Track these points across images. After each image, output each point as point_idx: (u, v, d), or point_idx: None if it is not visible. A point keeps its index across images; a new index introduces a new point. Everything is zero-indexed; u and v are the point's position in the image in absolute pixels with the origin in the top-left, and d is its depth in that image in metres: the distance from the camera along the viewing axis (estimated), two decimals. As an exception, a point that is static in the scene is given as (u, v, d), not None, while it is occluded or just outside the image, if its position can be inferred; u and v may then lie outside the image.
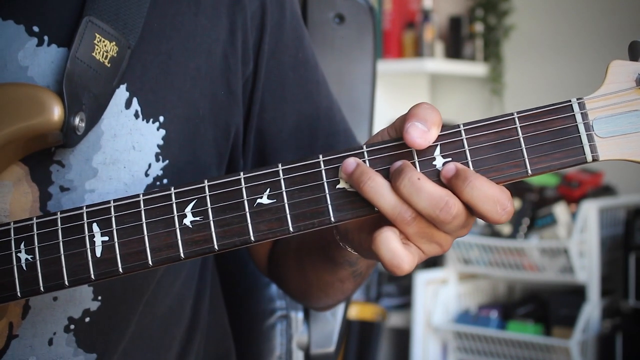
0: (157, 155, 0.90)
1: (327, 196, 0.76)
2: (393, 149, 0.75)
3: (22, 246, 0.80)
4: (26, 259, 0.79)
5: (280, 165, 0.77)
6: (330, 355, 1.26)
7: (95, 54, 0.85)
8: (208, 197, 0.78)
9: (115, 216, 0.79)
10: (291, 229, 0.76)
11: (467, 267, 3.32)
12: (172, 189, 0.78)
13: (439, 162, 0.75)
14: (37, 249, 0.79)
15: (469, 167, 0.74)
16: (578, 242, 3.01)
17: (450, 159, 0.74)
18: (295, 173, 0.77)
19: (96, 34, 0.86)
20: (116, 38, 0.87)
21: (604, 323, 3.06)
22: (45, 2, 0.88)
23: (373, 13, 1.31)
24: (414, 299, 3.33)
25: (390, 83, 3.71)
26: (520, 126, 0.74)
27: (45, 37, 0.87)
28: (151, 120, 0.90)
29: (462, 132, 0.75)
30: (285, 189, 0.77)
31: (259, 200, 0.77)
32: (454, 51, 3.74)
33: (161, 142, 0.91)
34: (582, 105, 0.74)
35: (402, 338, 3.51)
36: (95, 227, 0.79)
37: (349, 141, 1.04)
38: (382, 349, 3.50)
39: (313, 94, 1.02)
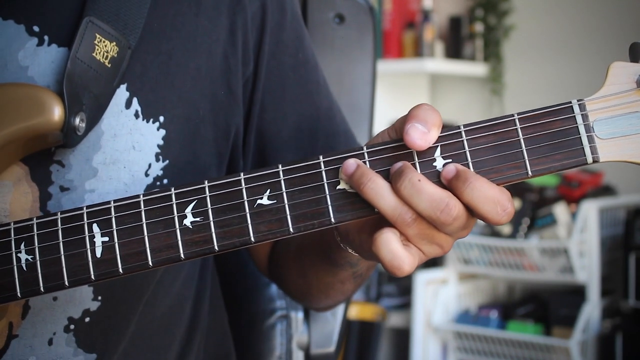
0: (157, 155, 0.90)
1: (328, 197, 0.76)
2: (393, 150, 0.75)
3: (22, 246, 0.80)
4: (26, 259, 0.79)
5: (280, 166, 0.77)
6: (330, 355, 1.26)
7: (96, 54, 0.85)
8: (208, 198, 0.78)
9: (115, 217, 0.79)
10: (291, 229, 0.76)
11: (467, 267, 3.32)
12: (173, 189, 0.78)
13: (439, 163, 0.75)
14: (37, 249, 0.79)
15: (469, 168, 0.74)
16: (578, 242, 3.01)
17: (450, 160, 0.74)
18: (296, 174, 0.77)
19: (96, 35, 0.86)
20: (116, 38, 0.87)
21: (604, 323, 3.06)
22: (45, 2, 0.88)
23: (373, 13, 1.31)
24: (414, 299, 3.33)
25: (390, 83, 3.71)
26: (521, 127, 0.74)
27: (46, 37, 0.87)
28: (151, 120, 0.90)
29: (463, 133, 0.75)
30: (286, 189, 0.77)
31: (259, 201, 0.77)
32: (454, 51, 3.73)
33: (161, 142, 0.91)
34: (582, 107, 0.74)
35: (402, 338, 3.51)
36: (95, 227, 0.79)
37: (349, 142, 1.04)
38: (382, 349, 3.50)
39: (313, 95, 1.02)
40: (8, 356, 0.87)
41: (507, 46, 3.75)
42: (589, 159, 0.73)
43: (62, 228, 0.79)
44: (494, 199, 0.72)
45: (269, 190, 0.77)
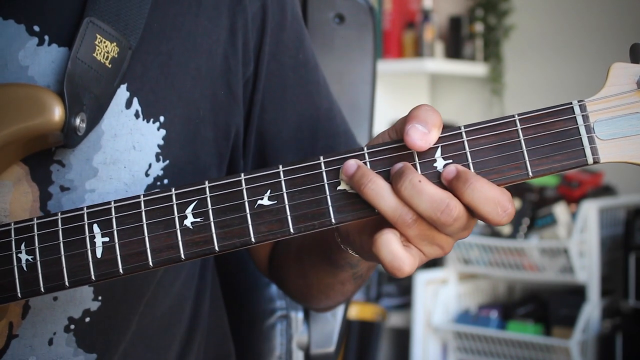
0: (157, 155, 0.90)
1: (328, 198, 0.76)
2: (394, 151, 0.75)
3: (22, 247, 0.80)
4: (26, 260, 0.79)
5: (281, 166, 0.77)
6: (330, 355, 1.26)
7: (96, 54, 0.85)
8: (209, 198, 0.78)
9: (115, 217, 0.79)
10: (292, 230, 0.76)
11: (467, 267, 3.32)
12: (173, 189, 0.78)
13: (439, 164, 0.74)
14: (37, 249, 0.79)
15: (469, 169, 0.74)
16: (578, 242, 3.01)
17: (451, 160, 0.74)
18: (296, 174, 0.77)
19: (97, 35, 0.86)
20: (117, 39, 0.87)
21: (604, 323, 3.06)
22: (46, 2, 0.88)
23: (373, 13, 1.31)
24: (414, 299, 3.33)
25: (390, 83, 3.71)
26: (522, 128, 0.74)
27: (46, 37, 0.87)
28: (151, 120, 0.90)
29: (463, 134, 0.75)
30: (286, 190, 0.77)
31: (259, 202, 0.77)
32: (454, 51, 3.73)
33: (161, 142, 0.91)
34: (583, 108, 0.74)
35: (402, 338, 3.51)
36: (95, 227, 0.79)
37: (349, 142, 1.04)
38: (382, 349, 3.50)
39: (313, 95, 1.02)
40: (8, 356, 0.87)
41: (507, 46, 3.75)
42: (590, 160, 0.73)
43: (62, 228, 0.79)
44: (495, 200, 0.72)
45: (269, 191, 0.77)
